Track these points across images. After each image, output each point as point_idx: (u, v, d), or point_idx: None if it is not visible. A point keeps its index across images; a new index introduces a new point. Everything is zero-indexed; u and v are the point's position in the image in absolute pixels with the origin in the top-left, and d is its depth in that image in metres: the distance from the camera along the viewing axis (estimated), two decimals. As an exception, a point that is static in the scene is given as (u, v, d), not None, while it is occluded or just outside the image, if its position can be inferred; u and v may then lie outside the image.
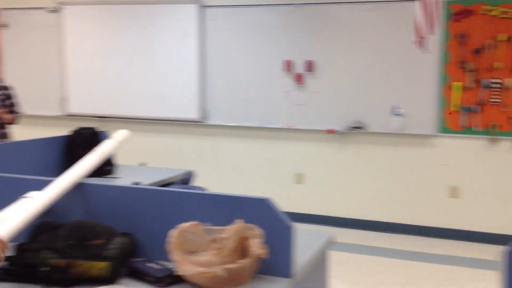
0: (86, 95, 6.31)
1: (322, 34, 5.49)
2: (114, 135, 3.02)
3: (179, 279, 1.86)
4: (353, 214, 5.67)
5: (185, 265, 1.82)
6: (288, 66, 5.59)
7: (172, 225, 2.00)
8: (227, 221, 1.99)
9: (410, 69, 5.28)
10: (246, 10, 5.69)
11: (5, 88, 4.57)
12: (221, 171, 6.02)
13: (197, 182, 4.19)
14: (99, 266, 1.88)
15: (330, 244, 2.40)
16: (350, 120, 5.49)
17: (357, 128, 5.46)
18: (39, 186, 2.24)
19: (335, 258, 4.66)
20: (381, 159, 5.52)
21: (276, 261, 1.95)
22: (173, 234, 1.91)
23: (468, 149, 5.24)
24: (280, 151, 5.82)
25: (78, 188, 2.31)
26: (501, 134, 5.11)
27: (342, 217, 5.70)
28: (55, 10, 6.32)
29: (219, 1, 5.78)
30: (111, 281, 1.91)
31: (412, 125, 5.33)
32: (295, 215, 5.69)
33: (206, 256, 1.86)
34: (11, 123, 4.56)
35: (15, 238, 2.04)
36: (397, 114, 5.34)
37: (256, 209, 2.01)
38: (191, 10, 5.80)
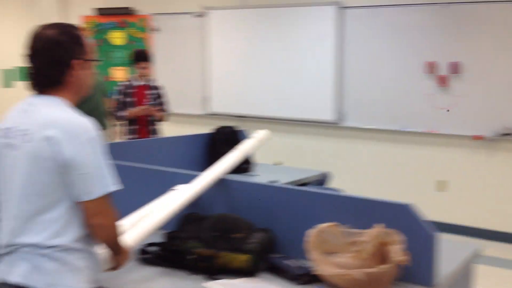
0: (226, 96, 6.58)
1: (469, 34, 5.15)
2: (255, 134, 3.13)
3: (316, 278, 1.87)
4: (499, 226, 5.26)
5: (323, 265, 1.83)
6: (431, 68, 5.34)
7: (309, 225, 2.01)
8: (365, 225, 1.96)
9: None
10: (386, 10, 5.54)
11: (156, 87, 4.94)
12: (356, 174, 5.93)
13: (332, 184, 4.17)
14: (241, 259, 1.95)
15: (476, 256, 2.25)
16: (499, 126, 5.10)
17: (508, 134, 5.05)
18: (186, 179, 2.39)
19: (482, 272, 4.36)
20: (533, 170, 5.05)
21: (418, 269, 1.88)
22: (311, 234, 1.92)
23: None
24: (420, 157, 5.58)
25: (221, 183, 2.43)
26: None
27: (487, 229, 5.31)
28: (200, 15, 6.69)
29: (358, 2, 5.69)
30: (251, 273, 1.98)
31: None
32: (436, 223, 5.41)
33: (344, 258, 1.85)
34: (161, 120, 4.92)
35: (165, 226, 2.20)
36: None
37: (396, 215, 1.95)
38: (330, 11, 5.78)
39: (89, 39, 1.78)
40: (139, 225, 2.02)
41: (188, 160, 4.08)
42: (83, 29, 6.83)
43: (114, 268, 1.82)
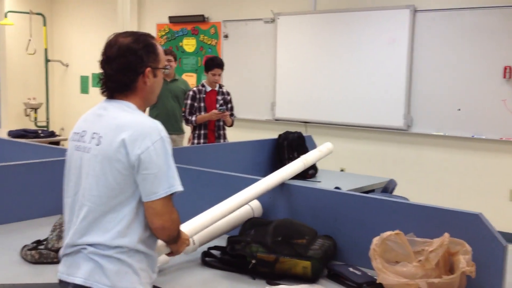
0: (294, 101, 6.58)
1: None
2: (320, 147, 3.13)
3: (379, 286, 1.84)
4: None
5: (386, 274, 1.80)
6: (509, 72, 5.11)
7: (373, 233, 1.98)
8: (432, 234, 1.91)
9: None
10: (461, 13, 5.35)
11: (225, 93, 5.02)
12: (424, 182, 5.76)
13: (399, 192, 4.08)
14: (303, 265, 1.96)
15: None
16: None
17: None
18: (250, 184, 2.42)
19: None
20: None
21: (486, 281, 1.81)
22: (376, 242, 1.90)
23: None
24: (493, 165, 5.34)
25: (284, 188, 2.44)
26: None
27: None
28: (271, 21, 6.75)
29: (432, 5, 5.54)
30: (313, 280, 1.97)
31: None
32: (509, 235, 5.16)
33: (409, 267, 1.81)
34: (230, 125, 5.00)
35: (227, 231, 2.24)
36: None
37: (465, 224, 1.89)
38: (403, 15, 5.66)
39: (161, 48, 1.84)
40: (198, 218, 2.08)
41: (253, 165, 4.12)
42: (157, 37, 7.13)
43: (171, 254, 1.89)
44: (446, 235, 1.83)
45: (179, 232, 1.79)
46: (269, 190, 2.37)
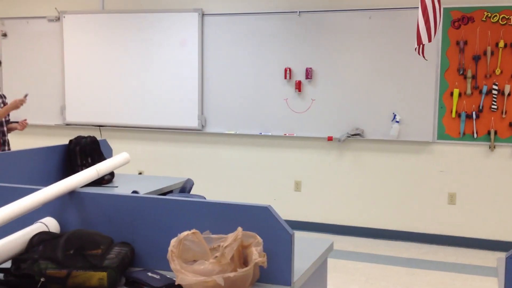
0: (85, 104, 6.29)
1: (321, 41, 5.49)
2: (116, 156, 3.02)
3: (179, 288, 1.84)
4: (351, 221, 5.65)
5: (184, 274, 1.80)
6: (289, 73, 5.59)
7: (172, 234, 1.98)
8: (227, 229, 1.98)
9: (409, 76, 5.28)
10: (246, 18, 5.70)
11: (2, 97, 4.56)
12: (220, 179, 6.00)
13: (196, 190, 4.17)
14: (98, 276, 1.86)
15: (329, 251, 2.38)
16: (349, 127, 5.49)
17: (356, 135, 5.46)
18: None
19: (333, 266, 4.64)
20: (380, 166, 5.51)
21: (277, 269, 1.93)
22: (173, 243, 1.89)
23: (468, 155, 5.23)
24: (279, 159, 5.81)
25: (74, 197, 2.30)
26: (500, 140, 5.10)
27: (340, 225, 5.68)
28: (56, 19, 6.32)
29: (219, 10, 5.78)
30: (110, 291, 1.89)
31: (411, 132, 5.33)
32: (295, 223, 5.67)
33: (206, 265, 1.84)
34: (9, 130, 4.54)
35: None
36: (396, 121, 5.33)
37: (256, 217, 1.99)
38: (192, 18, 5.80)
39: None
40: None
41: (42, 175, 3.81)
42: None
43: None
44: (239, 229, 1.91)
45: None
46: (52, 200, 2.18)
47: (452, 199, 5.30)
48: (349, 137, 5.47)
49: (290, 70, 5.58)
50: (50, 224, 2.21)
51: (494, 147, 5.12)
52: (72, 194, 2.29)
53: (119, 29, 6.09)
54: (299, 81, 5.56)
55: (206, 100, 5.89)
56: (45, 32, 6.39)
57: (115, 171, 4.05)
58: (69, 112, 6.36)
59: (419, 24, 4.12)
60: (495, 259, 4.92)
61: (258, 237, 1.89)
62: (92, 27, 6.19)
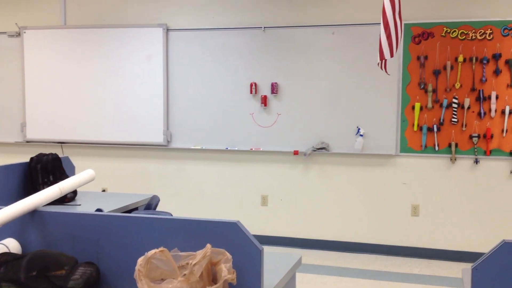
0: (46, 120, 6.16)
1: (286, 56, 5.54)
2: (81, 173, 2.95)
3: (146, 308, 1.80)
4: (318, 235, 5.67)
5: (152, 294, 1.76)
6: (254, 88, 5.61)
7: (139, 253, 1.94)
8: (196, 246, 1.95)
9: (372, 90, 5.38)
10: (211, 33, 5.70)
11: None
12: (187, 195, 5.94)
13: (162, 207, 4.12)
14: (62, 298, 1.80)
15: (298, 265, 2.37)
16: (315, 141, 5.53)
17: (322, 149, 5.50)
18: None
19: (301, 280, 4.64)
20: (345, 179, 5.57)
21: (246, 286, 1.91)
22: (140, 262, 1.85)
23: (430, 168, 5.34)
24: (246, 174, 5.80)
25: (35, 216, 2.23)
26: (460, 152, 5.23)
27: (307, 238, 5.69)
28: (16, 35, 6.19)
29: (184, 25, 5.78)
30: (74, 313, 1.83)
31: (375, 145, 5.41)
32: (262, 237, 5.65)
33: (174, 283, 1.81)
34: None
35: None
36: (360, 135, 5.41)
37: (225, 233, 1.97)
38: (157, 33, 5.78)
39: None
40: None
41: (2, 194, 3.69)
42: None
43: None
44: (208, 246, 1.88)
45: None
46: (12, 220, 2.12)
47: (415, 210, 5.39)
48: (314, 151, 5.51)
49: (255, 84, 5.61)
50: (11, 245, 2.14)
51: (455, 159, 5.24)
52: (33, 213, 2.22)
53: (82, 44, 6.00)
54: (265, 96, 5.59)
55: (172, 115, 5.84)
56: (5, 48, 6.25)
57: (77, 189, 3.96)
58: (29, 129, 6.21)
59: (381, 39, 4.20)
60: (460, 269, 5.02)
61: (227, 253, 1.86)
62: (53, 43, 6.09)
